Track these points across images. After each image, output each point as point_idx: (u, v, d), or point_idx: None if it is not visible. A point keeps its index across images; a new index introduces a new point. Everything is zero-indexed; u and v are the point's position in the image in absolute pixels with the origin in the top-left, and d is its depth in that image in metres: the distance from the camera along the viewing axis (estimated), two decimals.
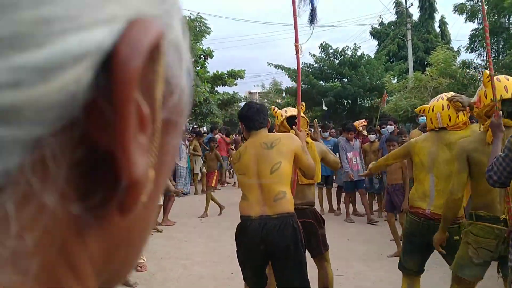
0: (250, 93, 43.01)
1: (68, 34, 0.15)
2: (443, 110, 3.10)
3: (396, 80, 18.48)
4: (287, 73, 20.92)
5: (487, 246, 2.59)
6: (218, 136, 11.83)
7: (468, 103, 3.04)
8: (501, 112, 2.60)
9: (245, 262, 2.93)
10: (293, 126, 3.37)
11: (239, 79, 16.95)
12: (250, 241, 2.79)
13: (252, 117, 2.92)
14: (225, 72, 16.67)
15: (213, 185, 8.54)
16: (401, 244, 3.29)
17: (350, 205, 7.74)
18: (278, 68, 21.02)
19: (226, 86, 17.37)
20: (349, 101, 20.74)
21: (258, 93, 41.85)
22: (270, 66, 21.30)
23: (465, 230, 2.71)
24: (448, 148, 3.07)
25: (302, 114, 3.52)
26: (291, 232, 2.74)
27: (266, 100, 33.16)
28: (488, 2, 12.00)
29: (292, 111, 3.69)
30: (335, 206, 8.22)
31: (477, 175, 2.67)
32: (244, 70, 16.71)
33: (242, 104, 14.54)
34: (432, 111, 3.16)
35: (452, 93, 3.23)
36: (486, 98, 2.69)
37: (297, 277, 2.81)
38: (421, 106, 3.44)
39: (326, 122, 11.44)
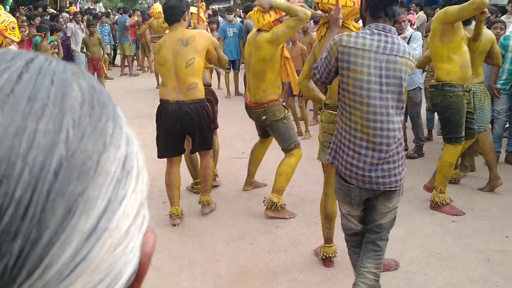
0: None
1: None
2: (254, 13, 3.52)
3: None
4: None
5: (328, 130, 2.80)
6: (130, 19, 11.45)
7: (269, 4, 3.31)
8: (340, 5, 2.62)
9: (163, 138, 3.53)
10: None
11: None
12: (169, 120, 3.44)
13: (167, 11, 3.37)
14: None
15: (105, 72, 8.28)
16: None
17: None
18: None
19: None
20: None
21: None
22: None
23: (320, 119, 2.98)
24: (256, 49, 3.49)
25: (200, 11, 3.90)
26: (202, 113, 3.45)
27: None
28: None
29: (191, 9, 3.95)
30: (242, 90, 8.51)
31: None
32: None
33: None
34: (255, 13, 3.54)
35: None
36: None
37: (208, 141, 3.62)
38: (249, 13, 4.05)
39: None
